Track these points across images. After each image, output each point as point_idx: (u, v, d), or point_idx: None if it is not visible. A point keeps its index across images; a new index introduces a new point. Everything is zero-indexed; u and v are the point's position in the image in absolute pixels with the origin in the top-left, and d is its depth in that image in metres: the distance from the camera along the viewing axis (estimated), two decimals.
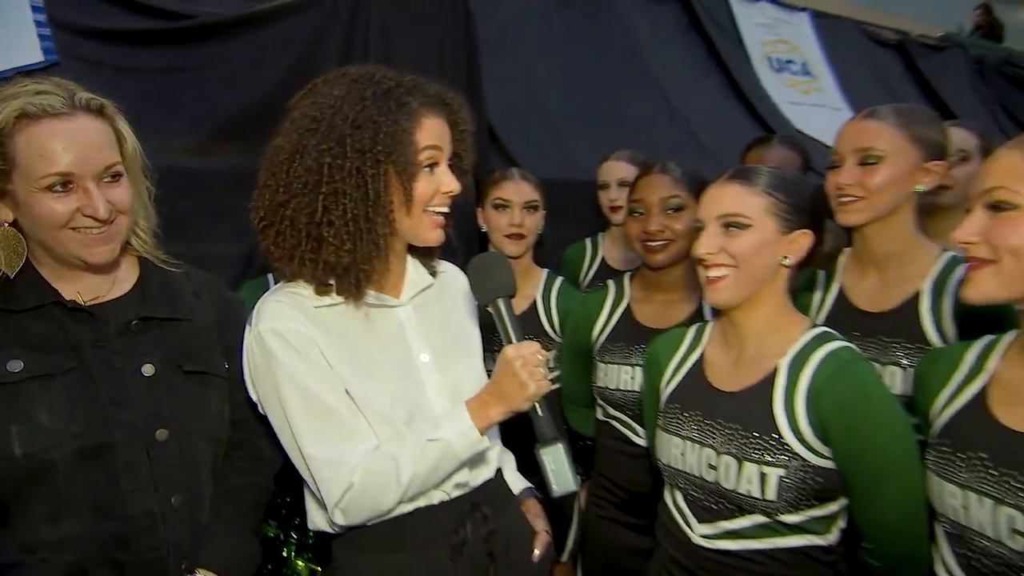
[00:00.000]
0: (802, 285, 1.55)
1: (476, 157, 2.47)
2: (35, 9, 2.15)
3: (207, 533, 1.15)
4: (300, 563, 1.76)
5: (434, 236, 1.14)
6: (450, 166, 1.14)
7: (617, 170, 2.16)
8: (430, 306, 1.22)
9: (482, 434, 1.09)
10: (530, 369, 1.05)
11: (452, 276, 1.31)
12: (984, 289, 0.98)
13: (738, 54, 5.00)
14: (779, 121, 4.70)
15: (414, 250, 1.22)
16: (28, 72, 2.00)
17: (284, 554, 1.75)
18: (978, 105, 5.58)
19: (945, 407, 1.08)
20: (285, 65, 2.38)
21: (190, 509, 1.13)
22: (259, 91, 2.34)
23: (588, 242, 2.30)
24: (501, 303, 1.11)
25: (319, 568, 1.64)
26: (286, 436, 1.10)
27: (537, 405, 1.08)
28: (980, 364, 1.07)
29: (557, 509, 1.80)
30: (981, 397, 1.04)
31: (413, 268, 1.22)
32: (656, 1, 4.82)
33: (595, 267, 2.23)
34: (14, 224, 1.08)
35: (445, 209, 1.13)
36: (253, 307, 1.15)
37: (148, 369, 1.11)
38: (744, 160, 2.08)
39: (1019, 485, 0.93)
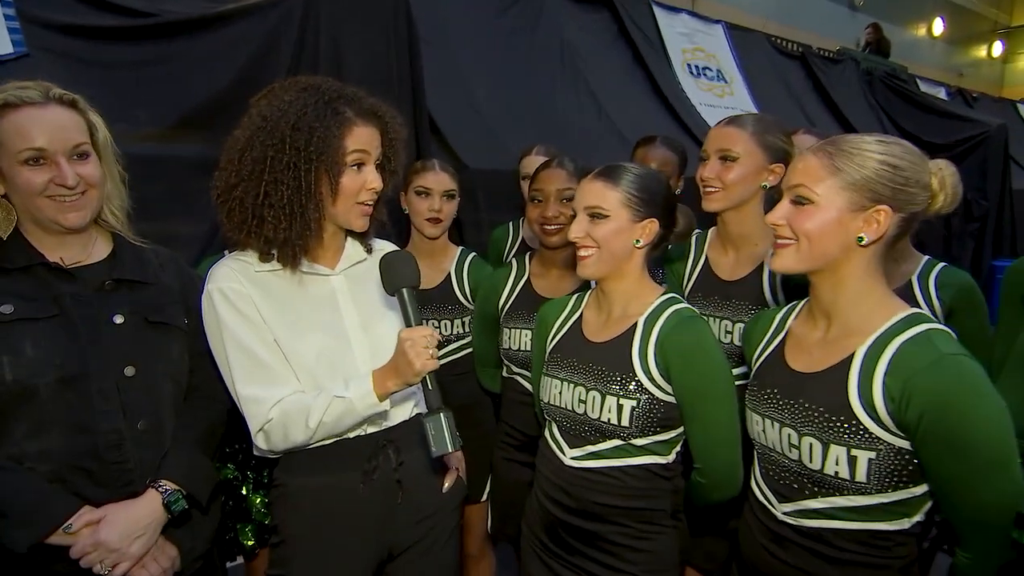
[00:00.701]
0: (677, 256, 1.77)
1: (417, 149, 2.61)
2: (3, 3, 2.20)
3: (168, 453, 1.29)
4: (257, 499, 1.92)
5: (359, 224, 1.30)
6: (378, 166, 1.29)
7: (536, 163, 2.29)
8: (362, 277, 1.37)
9: (381, 400, 1.22)
10: (417, 350, 1.16)
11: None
12: (785, 262, 1.14)
13: (661, 60, 5.22)
14: (696, 121, 4.93)
15: (351, 233, 1.37)
16: (2, 63, 2.07)
17: (243, 492, 1.91)
18: (867, 111, 5.99)
19: (759, 357, 1.28)
20: (243, 61, 2.48)
21: (155, 434, 1.27)
22: (219, 84, 2.43)
23: (511, 225, 2.45)
24: (405, 292, 1.22)
25: None
26: (225, 376, 1.26)
27: (428, 379, 1.19)
28: (783, 323, 1.27)
29: (480, 461, 1.95)
30: (780, 348, 1.23)
31: (351, 245, 1.38)
32: (587, 10, 5.00)
33: (516, 246, 2.38)
34: (4, 197, 1.21)
35: (371, 201, 1.28)
36: None
37: (119, 318, 1.25)
38: (633, 156, 2.24)
39: (794, 411, 1.13)
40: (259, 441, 1.25)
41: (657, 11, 5.42)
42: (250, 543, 1.92)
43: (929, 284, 1.47)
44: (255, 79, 2.57)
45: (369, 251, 1.41)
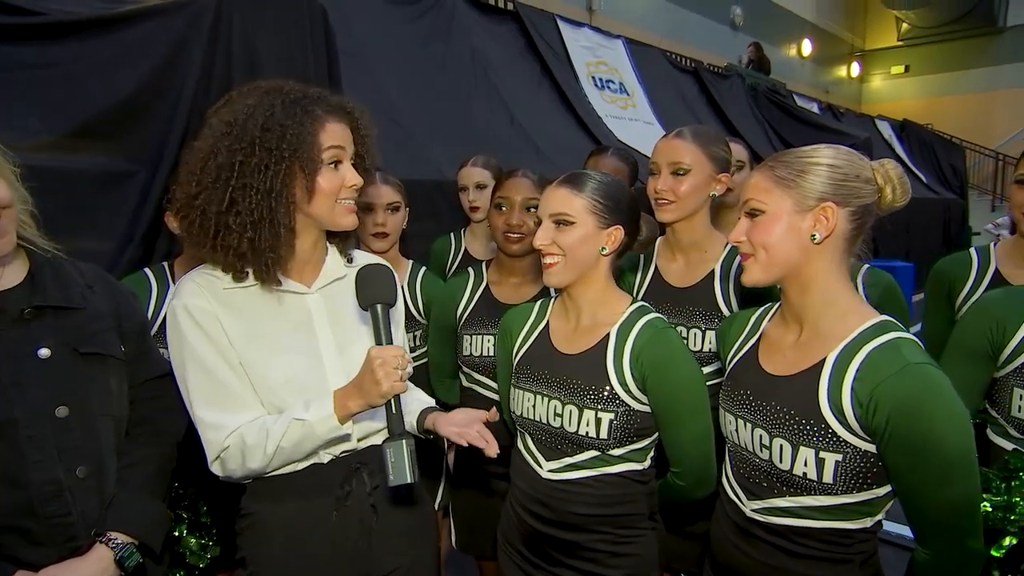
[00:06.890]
0: (628, 267, 1.83)
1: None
2: None
3: (115, 500, 1.18)
4: (191, 540, 1.77)
5: (347, 221, 1.24)
6: (354, 165, 1.24)
7: (474, 175, 2.32)
8: (339, 295, 1.31)
9: (342, 422, 1.16)
10: (387, 370, 1.11)
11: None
12: (752, 275, 1.17)
13: (567, 72, 5.40)
14: (602, 131, 5.14)
15: (332, 238, 1.32)
16: None
17: (176, 533, 1.76)
18: (754, 123, 6.49)
19: (733, 357, 1.30)
20: (148, 66, 2.31)
21: (96, 480, 1.16)
22: (121, 91, 2.25)
23: (452, 236, 2.43)
24: (379, 308, 1.18)
25: (210, 543, 1.67)
26: (185, 397, 1.19)
27: (392, 402, 1.14)
28: (757, 325, 1.29)
29: (429, 467, 1.97)
30: (754, 349, 1.25)
31: (331, 258, 1.31)
32: (495, 21, 5.08)
33: (459, 258, 2.37)
34: None
35: (353, 199, 1.24)
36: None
37: (44, 352, 1.12)
38: (584, 166, 2.27)
39: (766, 412, 1.16)
40: (215, 468, 1.19)
41: (561, 24, 5.60)
42: None
43: (857, 282, 1.61)
44: (163, 86, 2.40)
45: (350, 261, 1.35)
